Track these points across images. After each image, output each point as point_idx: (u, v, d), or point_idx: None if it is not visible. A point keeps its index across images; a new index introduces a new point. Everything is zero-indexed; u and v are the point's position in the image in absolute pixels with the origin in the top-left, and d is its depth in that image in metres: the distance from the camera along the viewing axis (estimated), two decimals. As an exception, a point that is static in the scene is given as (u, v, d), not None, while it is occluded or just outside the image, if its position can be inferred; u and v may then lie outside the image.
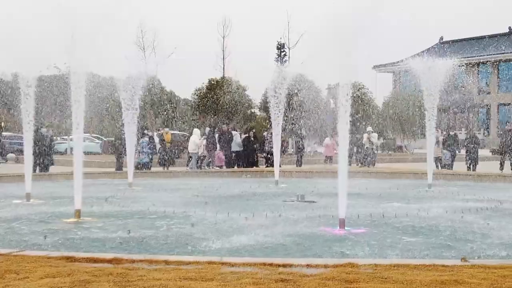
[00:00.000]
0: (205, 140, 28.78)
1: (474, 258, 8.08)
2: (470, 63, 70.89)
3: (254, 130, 32.41)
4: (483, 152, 44.29)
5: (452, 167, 28.39)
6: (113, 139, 32.04)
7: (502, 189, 19.74)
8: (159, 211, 14.13)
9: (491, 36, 72.34)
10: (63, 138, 46.48)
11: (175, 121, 43.77)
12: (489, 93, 70.62)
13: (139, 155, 27.63)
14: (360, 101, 41.69)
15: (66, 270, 6.60)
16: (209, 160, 29.60)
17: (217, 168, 28.88)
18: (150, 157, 28.26)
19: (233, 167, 29.53)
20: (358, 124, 38.10)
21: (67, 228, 11.40)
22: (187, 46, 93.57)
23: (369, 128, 31.67)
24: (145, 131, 28.84)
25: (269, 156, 28.34)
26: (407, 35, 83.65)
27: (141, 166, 27.74)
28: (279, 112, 22.55)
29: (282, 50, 64.20)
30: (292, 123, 41.41)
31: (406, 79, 70.76)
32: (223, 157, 29.60)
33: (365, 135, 30.82)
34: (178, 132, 42.05)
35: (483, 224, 12.06)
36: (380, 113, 46.50)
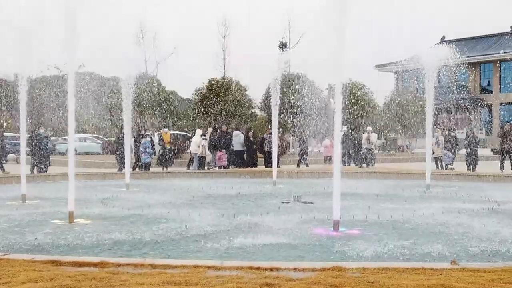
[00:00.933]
0: (204, 140, 28.71)
1: (464, 261, 8.00)
2: (472, 63, 70.74)
3: (252, 131, 32.35)
4: (484, 152, 44.24)
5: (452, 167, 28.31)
6: (113, 139, 32.04)
7: (502, 190, 19.60)
8: (153, 212, 14.06)
9: (493, 36, 72.15)
10: (64, 138, 46.46)
11: (175, 121, 43.71)
12: (491, 92, 70.42)
13: (142, 155, 27.59)
14: (361, 101, 41.54)
15: (50, 274, 6.52)
16: (213, 160, 29.55)
17: (219, 168, 28.82)
18: (151, 157, 28.20)
19: (235, 167, 29.54)
20: (357, 124, 38.05)
21: (59, 231, 11.33)
22: (188, 47, 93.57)
23: (368, 128, 31.60)
24: (142, 132, 28.75)
25: (268, 156, 28.30)
26: (409, 34, 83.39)
27: (143, 166, 27.69)
28: (276, 112, 22.57)
29: (284, 50, 64.19)
30: (293, 122, 41.42)
31: (408, 78, 70.72)
32: (225, 157, 29.58)
33: (365, 135, 30.77)
34: (179, 132, 42.03)
35: (478, 226, 11.95)
36: (381, 112, 46.35)
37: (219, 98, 40.73)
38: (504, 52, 66.80)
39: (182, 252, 9.44)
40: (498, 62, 68.70)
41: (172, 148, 30.10)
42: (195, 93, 42.67)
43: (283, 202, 16.54)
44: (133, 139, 26.82)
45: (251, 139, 30.25)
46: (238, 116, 41.51)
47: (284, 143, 38.19)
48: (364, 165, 30.03)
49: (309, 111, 30.74)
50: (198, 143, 28.84)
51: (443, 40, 75.04)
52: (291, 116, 41.67)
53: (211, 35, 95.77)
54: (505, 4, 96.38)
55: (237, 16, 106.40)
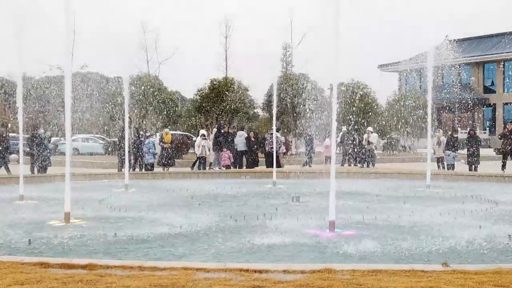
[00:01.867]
0: (204, 140, 28.68)
1: (456, 263, 7.94)
2: (475, 62, 70.59)
3: (254, 131, 32.32)
4: (487, 152, 44.13)
5: (454, 168, 28.18)
6: (116, 139, 32.01)
7: (502, 190, 19.53)
8: (149, 213, 14.02)
9: (497, 35, 71.94)
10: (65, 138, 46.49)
11: (176, 121, 43.69)
12: (494, 92, 70.25)
13: (145, 156, 27.58)
14: (360, 102, 41.48)
15: (37, 277, 6.50)
16: (216, 160, 29.53)
17: (223, 168, 28.81)
18: (156, 157, 28.15)
19: (240, 167, 29.57)
20: (359, 124, 37.96)
21: (54, 231, 11.30)
22: (190, 47, 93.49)
23: (369, 128, 31.52)
24: (141, 132, 28.69)
25: (268, 156, 28.27)
26: (413, 34, 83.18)
27: (147, 167, 27.69)
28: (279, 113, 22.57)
29: (287, 50, 64.12)
30: (295, 123, 41.39)
31: (411, 78, 70.60)
32: (229, 157, 29.58)
33: (364, 136, 30.70)
34: (180, 133, 41.98)
35: (475, 228, 11.89)
36: (384, 112, 46.29)
37: (220, 98, 40.74)
38: (508, 52, 66.64)
39: (178, 254, 9.41)
40: (502, 61, 68.52)
41: (173, 148, 30.02)
42: (197, 93, 42.69)
43: (280, 202, 16.50)
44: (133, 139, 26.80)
45: (252, 139, 30.20)
46: (240, 116, 41.51)
47: (287, 143, 38.21)
48: (365, 165, 29.96)
49: (311, 111, 30.74)
50: (197, 143, 28.82)
51: (446, 40, 74.86)
52: (293, 116, 41.72)
53: (213, 35, 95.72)
54: (508, 4, 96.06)
55: (239, 16, 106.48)
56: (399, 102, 47.69)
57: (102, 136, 49.71)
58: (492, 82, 70.95)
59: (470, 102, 62.38)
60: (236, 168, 29.30)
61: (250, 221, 12.78)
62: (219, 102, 40.68)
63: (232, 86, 41.51)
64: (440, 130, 30.89)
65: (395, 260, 8.77)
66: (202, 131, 30.42)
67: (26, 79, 42.71)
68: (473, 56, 69.78)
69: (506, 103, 68.85)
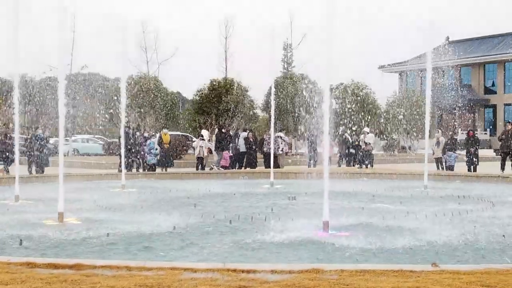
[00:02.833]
0: (202, 141, 28.67)
1: (445, 263, 7.89)
2: (476, 63, 70.49)
3: (253, 131, 32.29)
4: (488, 152, 44.05)
5: (453, 169, 28.13)
6: (117, 140, 32.01)
7: (501, 191, 19.45)
8: (143, 213, 14.00)
9: (498, 36, 71.85)
10: (66, 139, 46.49)
11: (176, 122, 43.67)
12: (495, 93, 70.15)
13: (147, 156, 27.57)
14: (362, 101, 41.46)
15: (22, 277, 6.46)
16: (218, 160, 29.54)
17: (222, 168, 28.80)
18: (158, 158, 28.09)
19: (239, 167, 29.57)
20: (356, 125, 37.89)
21: (46, 231, 11.27)
22: (190, 47, 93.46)
23: (365, 129, 31.50)
24: (137, 133, 28.65)
25: (267, 157, 28.27)
26: (413, 34, 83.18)
27: (151, 167, 27.69)
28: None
29: (288, 50, 64.11)
30: (296, 123, 41.33)
31: (412, 79, 70.57)
32: (228, 157, 29.58)
33: (361, 136, 30.69)
34: (180, 133, 41.96)
35: (469, 228, 11.83)
36: (384, 113, 46.22)
37: (220, 98, 40.71)
38: (509, 53, 66.54)
39: (169, 254, 9.38)
40: (503, 62, 68.43)
41: (171, 148, 30.01)
42: (197, 94, 42.66)
43: (276, 203, 16.47)
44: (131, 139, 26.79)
45: (251, 139, 30.19)
46: (240, 117, 41.48)
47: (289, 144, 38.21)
48: (363, 165, 29.90)
49: (311, 111, 30.66)
50: (196, 144, 28.84)
51: (447, 41, 74.80)
52: (293, 116, 41.67)
53: (213, 36, 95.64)
54: (509, 4, 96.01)
55: (239, 16, 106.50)
56: (399, 102, 47.67)
57: (101, 137, 49.71)
58: (493, 83, 70.85)
59: (470, 103, 62.34)
60: (240, 168, 29.33)
61: (244, 222, 12.76)
62: (219, 102, 40.65)
63: (231, 86, 41.48)
64: (439, 130, 30.86)
65: (387, 261, 8.72)
66: (204, 132, 30.44)
67: (27, 80, 42.78)
68: (474, 57, 69.70)
69: (507, 104, 68.73)
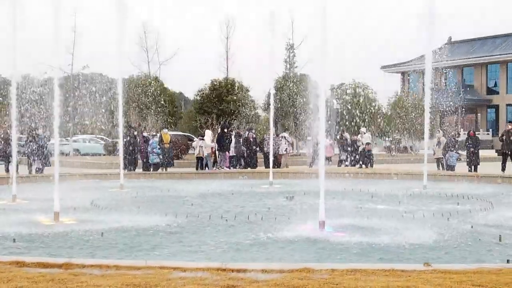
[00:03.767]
0: (202, 141, 28.63)
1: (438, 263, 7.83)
2: (478, 63, 70.34)
3: (253, 131, 32.25)
4: (490, 153, 43.91)
5: (454, 169, 28.03)
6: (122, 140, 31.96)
7: (501, 191, 19.36)
8: (139, 213, 13.95)
9: (500, 36, 71.69)
10: (66, 139, 46.50)
11: (176, 122, 43.66)
12: (497, 93, 70.00)
13: (150, 156, 27.52)
14: (363, 102, 41.39)
15: (9, 276, 6.41)
16: (221, 161, 29.51)
17: (224, 168, 28.76)
18: (161, 157, 28.03)
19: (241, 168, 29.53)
20: (357, 125, 37.87)
21: (41, 230, 11.25)
22: (191, 48, 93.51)
23: (362, 129, 31.47)
24: (135, 132, 28.59)
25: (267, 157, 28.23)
26: (416, 34, 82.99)
27: (154, 166, 27.64)
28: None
29: (290, 50, 63.94)
30: (296, 123, 41.27)
31: (414, 79, 70.42)
32: (228, 157, 29.54)
33: (358, 136, 30.66)
34: (181, 133, 41.92)
35: (467, 228, 11.77)
36: (385, 113, 46.16)
37: (221, 98, 40.69)
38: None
39: (164, 253, 9.34)
40: (506, 63, 68.28)
41: (171, 149, 29.97)
42: (197, 94, 42.64)
43: (274, 202, 16.43)
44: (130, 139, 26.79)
45: (251, 140, 30.15)
46: (241, 117, 41.46)
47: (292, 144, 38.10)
48: (363, 166, 29.80)
49: (312, 112, 30.63)
50: (195, 144, 28.82)
51: (450, 41, 74.68)
52: (293, 116, 41.61)
53: (214, 36, 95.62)
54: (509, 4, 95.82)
55: (240, 16, 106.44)
56: (400, 103, 47.58)
57: (103, 137, 49.67)
58: (495, 83, 70.69)
59: (473, 103, 62.19)
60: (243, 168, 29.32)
61: (240, 221, 12.74)
62: (220, 102, 40.63)
63: (232, 86, 41.45)
64: (440, 131, 30.77)
65: (380, 260, 8.66)
66: (208, 132, 30.41)
67: (27, 80, 42.70)
68: (476, 57, 69.56)
69: (509, 104, 68.57)
